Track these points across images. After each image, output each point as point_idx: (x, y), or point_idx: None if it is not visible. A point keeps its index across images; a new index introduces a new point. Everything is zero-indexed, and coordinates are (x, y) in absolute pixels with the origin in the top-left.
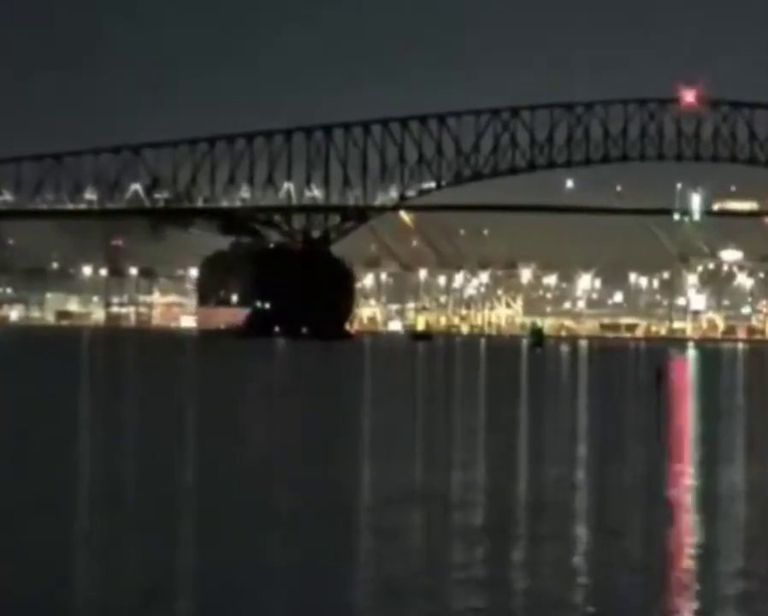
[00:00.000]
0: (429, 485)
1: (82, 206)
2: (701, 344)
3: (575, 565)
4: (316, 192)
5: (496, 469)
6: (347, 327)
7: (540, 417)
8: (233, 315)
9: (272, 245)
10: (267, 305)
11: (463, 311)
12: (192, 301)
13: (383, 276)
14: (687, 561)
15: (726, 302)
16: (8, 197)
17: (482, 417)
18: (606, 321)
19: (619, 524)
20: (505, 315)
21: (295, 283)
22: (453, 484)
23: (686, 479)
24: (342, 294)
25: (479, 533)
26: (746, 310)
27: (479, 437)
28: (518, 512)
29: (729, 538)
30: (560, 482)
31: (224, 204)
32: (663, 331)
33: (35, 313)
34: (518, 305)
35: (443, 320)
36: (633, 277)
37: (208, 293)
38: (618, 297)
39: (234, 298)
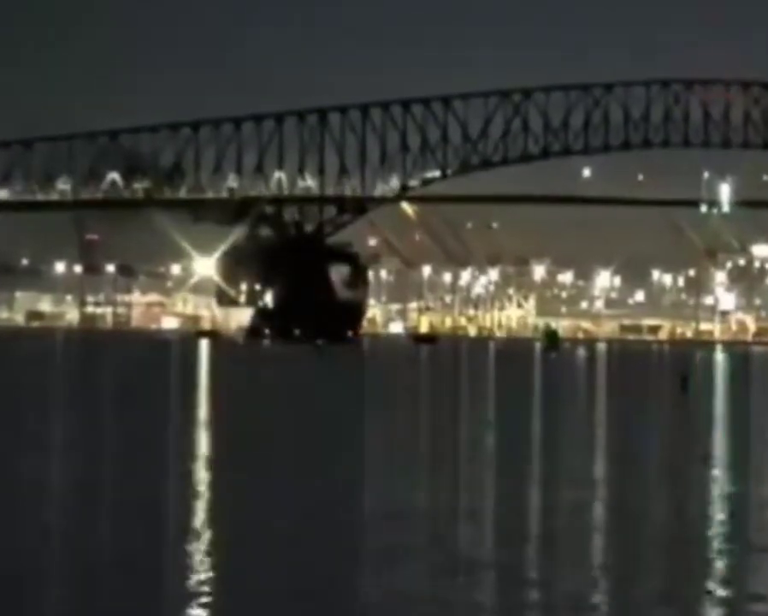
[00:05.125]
0: (429, 506)
1: (54, 197)
2: (730, 347)
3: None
4: (309, 182)
5: (503, 492)
6: (350, 329)
7: (554, 429)
8: (242, 316)
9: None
10: (269, 305)
11: (471, 312)
12: (170, 300)
13: (383, 274)
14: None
15: (758, 301)
16: None
17: (490, 431)
18: (627, 322)
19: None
20: (517, 316)
21: (292, 282)
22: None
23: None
24: (351, 293)
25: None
26: None
27: (485, 452)
28: (529, 544)
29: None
30: (575, 506)
31: (210, 194)
32: (688, 333)
33: (3, 313)
34: (531, 304)
35: (448, 321)
36: (656, 275)
37: (222, 292)
38: (640, 296)
39: (242, 297)
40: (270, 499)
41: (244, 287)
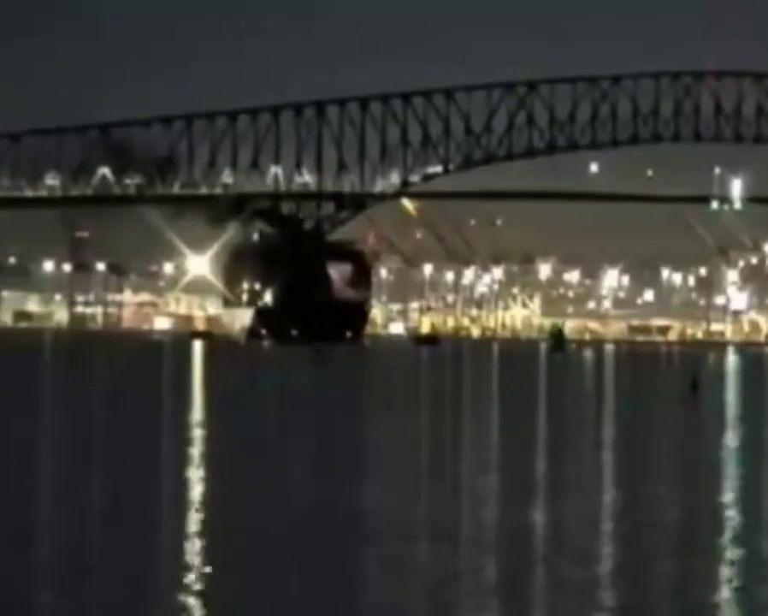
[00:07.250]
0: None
1: (43, 193)
2: (743, 348)
3: None
4: (307, 178)
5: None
6: (351, 329)
7: (560, 434)
8: (246, 316)
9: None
10: (269, 305)
11: (474, 312)
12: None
13: (383, 272)
14: None
15: None
16: None
17: (494, 437)
18: (636, 322)
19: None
20: (521, 316)
21: (290, 281)
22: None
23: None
24: (354, 292)
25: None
26: None
27: (486, 455)
28: (531, 550)
29: None
30: (580, 522)
31: (204, 190)
32: (699, 334)
33: None
34: (536, 304)
35: (451, 321)
36: (665, 273)
37: (228, 292)
38: (649, 295)
39: (245, 297)
40: (268, 502)
41: (245, 286)
